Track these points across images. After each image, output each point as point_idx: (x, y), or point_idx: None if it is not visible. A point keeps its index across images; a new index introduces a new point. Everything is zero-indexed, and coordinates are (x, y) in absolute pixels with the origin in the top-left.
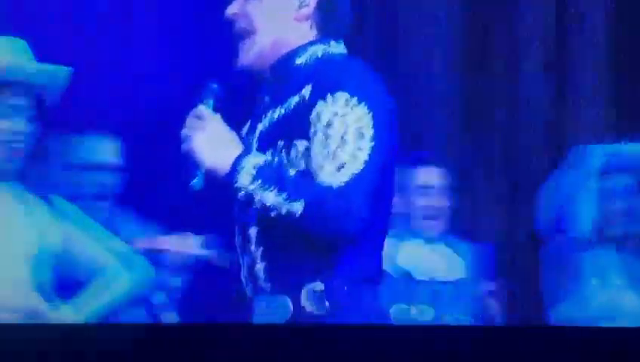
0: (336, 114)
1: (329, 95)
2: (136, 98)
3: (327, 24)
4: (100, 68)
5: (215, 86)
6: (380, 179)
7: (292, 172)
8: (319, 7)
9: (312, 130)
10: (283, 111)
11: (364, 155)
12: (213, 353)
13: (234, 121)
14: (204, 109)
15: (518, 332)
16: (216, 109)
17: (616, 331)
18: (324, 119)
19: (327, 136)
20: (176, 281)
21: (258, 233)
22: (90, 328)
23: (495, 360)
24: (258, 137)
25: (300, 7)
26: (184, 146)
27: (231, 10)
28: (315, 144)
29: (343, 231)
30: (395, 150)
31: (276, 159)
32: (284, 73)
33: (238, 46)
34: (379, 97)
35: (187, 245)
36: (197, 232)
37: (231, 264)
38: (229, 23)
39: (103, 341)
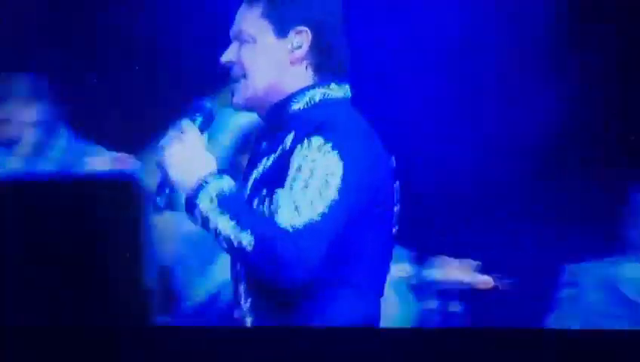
0: (306, 157)
1: (306, 140)
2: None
3: (323, 64)
4: None
5: (208, 105)
6: (343, 232)
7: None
8: (313, 47)
9: (288, 173)
10: (272, 159)
11: (321, 205)
12: (209, 355)
13: (219, 144)
14: (187, 124)
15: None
16: (202, 128)
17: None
18: (296, 163)
19: (293, 179)
20: None
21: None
22: None
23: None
24: (251, 185)
25: (293, 49)
26: (157, 158)
27: (225, 57)
28: (284, 188)
29: (288, 277)
30: (372, 206)
31: (256, 202)
32: (279, 119)
33: (232, 87)
34: (361, 148)
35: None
36: None
37: None
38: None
39: None
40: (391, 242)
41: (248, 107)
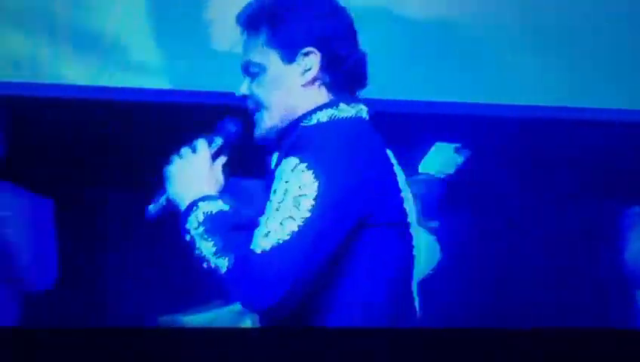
0: (280, 180)
1: (284, 160)
2: None
3: (337, 80)
4: None
5: (233, 128)
6: (323, 252)
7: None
8: (323, 66)
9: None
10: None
11: (292, 226)
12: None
13: (238, 169)
14: (201, 143)
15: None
16: (220, 150)
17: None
18: (273, 186)
19: (270, 202)
20: None
21: None
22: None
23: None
24: (217, 213)
25: (304, 73)
26: (165, 168)
27: (240, 91)
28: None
29: (256, 301)
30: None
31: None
32: (287, 142)
33: (254, 121)
34: (345, 167)
35: None
36: None
37: None
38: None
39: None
40: (403, 259)
41: (270, 138)
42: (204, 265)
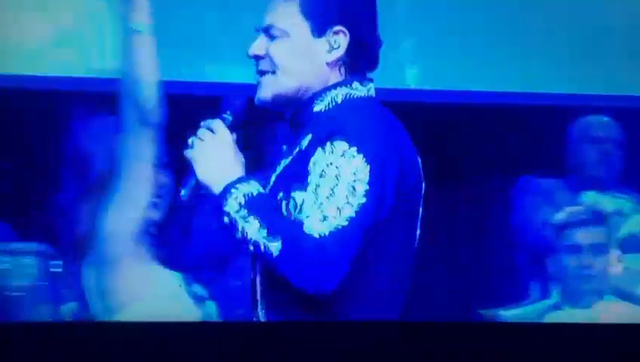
0: (330, 164)
1: (328, 143)
2: None
3: (356, 64)
4: None
5: (238, 102)
6: (371, 238)
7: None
8: (349, 47)
9: (308, 179)
10: (289, 160)
11: (350, 211)
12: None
13: (249, 145)
14: (218, 123)
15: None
16: (232, 127)
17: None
18: (319, 169)
19: (318, 186)
20: None
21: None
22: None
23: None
24: (271, 188)
25: (331, 50)
26: (186, 152)
27: (253, 50)
28: (307, 194)
29: (313, 284)
30: (401, 206)
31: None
32: (301, 121)
33: (258, 81)
34: (387, 148)
35: None
36: None
37: None
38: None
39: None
40: (414, 248)
41: (274, 104)
42: (251, 247)
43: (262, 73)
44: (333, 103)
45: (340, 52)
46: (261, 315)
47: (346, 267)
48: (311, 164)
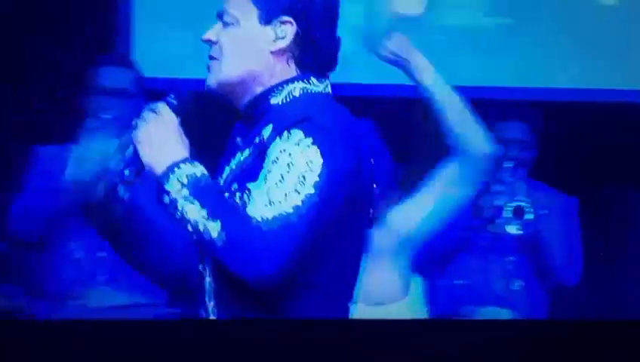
0: (284, 151)
1: (285, 132)
2: None
3: (308, 60)
4: None
5: (184, 88)
6: (316, 230)
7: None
8: (297, 40)
9: (261, 165)
10: (246, 153)
11: (296, 200)
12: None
13: (197, 133)
14: (162, 105)
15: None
16: (177, 111)
17: None
18: (272, 155)
19: (269, 171)
20: None
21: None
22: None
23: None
24: (225, 180)
25: (276, 39)
26: (132, 134)
27: (207, 35)
28: (258, 180)
29: (256, 271)
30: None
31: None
32: (256, 113)
33: (208, 66)
34: (343, 147)
35: None
36: None
37: None
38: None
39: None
40: (363, 247)
41: (220, 91)
42: (189, 228)
43: (210, 59)
44: (291, 97)
45: (285, 42)
46: (211, 311)
47: (287, 255)
48: (268, 153)
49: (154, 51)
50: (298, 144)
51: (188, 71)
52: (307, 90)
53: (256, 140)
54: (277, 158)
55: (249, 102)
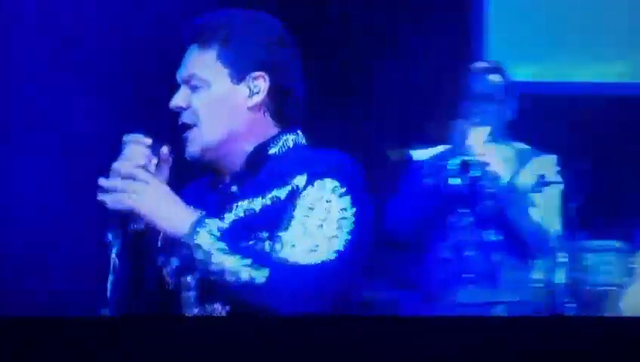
0: (320, 198)
1: (318, 180)
2: None
3: (281, 109)
4: None
5: (164, 149)
6: (350, 274)
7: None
8: (270, 92)
9: (293, 212)
10: (260, 201)
11: (338, 245)
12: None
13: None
14: (142, 172)
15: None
16: (159, 172)
17: None
18: (307, 202)
19: (307, 217)
20: None
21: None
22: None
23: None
24: (230, 227)
25: (251, 95)
26: (118, 202)
27: (175, 102)
28: (293, 225)
29: (302, 309)
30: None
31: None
32: (257, 163)
33: (183, 136)
34: (365, 194)
35: None
36: None
37: None
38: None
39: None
40: None
41: (204, 157)
42: (231, 278)
43: (185, 127)
44: (285, 147)
45: (260, 96)
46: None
47: (332, 294)
48: (299, 198)
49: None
50: (333, 192)
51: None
52: (297, 142)
53: (287, 188)
54: (313, 205)
55: (250, 154)
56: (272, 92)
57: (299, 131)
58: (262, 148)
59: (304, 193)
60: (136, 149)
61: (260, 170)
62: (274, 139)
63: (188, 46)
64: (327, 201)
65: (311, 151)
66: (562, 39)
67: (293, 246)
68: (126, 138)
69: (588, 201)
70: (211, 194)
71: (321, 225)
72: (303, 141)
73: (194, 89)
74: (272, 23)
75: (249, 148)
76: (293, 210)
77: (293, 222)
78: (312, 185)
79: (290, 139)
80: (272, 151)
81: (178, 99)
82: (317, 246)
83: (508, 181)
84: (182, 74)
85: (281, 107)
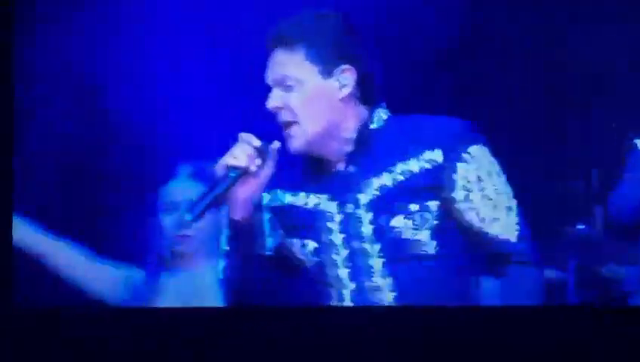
0: (480, 166)
1: (463, 154)
2: None
3: (367, 95)
4: None
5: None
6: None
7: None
8: (358, 83)
9: (458, 190)
10: (400, 177)
11: (512, 201)
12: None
13: None
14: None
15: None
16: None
17: None
18: (471, 175)
19: (482, 189)
20: None
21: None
22: None
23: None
24: (370, 204)
25: (341, 87)
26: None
27: (272, 103)
28: (471, 201)
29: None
30: None
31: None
32: (365, 142)
33: (286, 133)
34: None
35: None
36: None
37: None
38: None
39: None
40: None
41: (309, 149)
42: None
43: (286, 125)
44: (382, 122)
45: (349, 88)
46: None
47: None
48: (454, 174)
49: None
50: (484, 155)
51: None
52: (387, 115)
53: (424, 165)
54: (479, 176)
55: (356, 136)
56: (358, 81)
57: (383, 104)
58: (364, 128)
59: (459, 168)
60: (244, 148)
61: (370, 147)
62: (370, 118)
63: (271, 52)
64: (490, 163)
65: (411, 118)
66: None
67: (494, 219)
68: (240, 136)
69: None
70: (327, 179)
71: (497, 192)
72: (386, 115)
73: (288, 89)
74: (339, 17)
75: (348, 132)
76: (445, 185)
77: (472, 196)
78: (460, 159)
79: (382, 113)
80: (373, 127)
81: (274, 100)
82: (511, 207)
83: None
84: (273, 77)
85: (368, 91)
